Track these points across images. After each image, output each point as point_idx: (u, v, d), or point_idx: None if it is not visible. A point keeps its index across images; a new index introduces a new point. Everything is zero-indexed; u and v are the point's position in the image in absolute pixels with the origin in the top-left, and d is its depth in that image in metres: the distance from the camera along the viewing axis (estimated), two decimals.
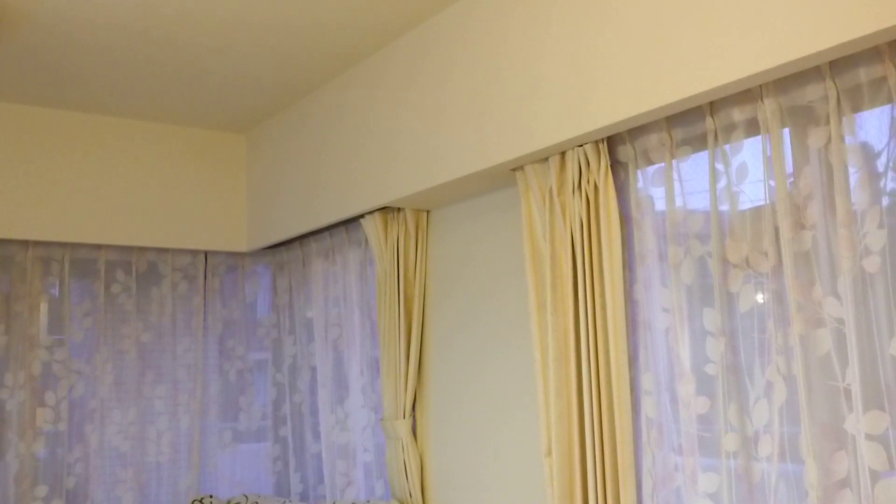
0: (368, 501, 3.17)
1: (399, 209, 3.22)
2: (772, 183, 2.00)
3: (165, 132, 3.94)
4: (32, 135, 3.60)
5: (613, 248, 2.29)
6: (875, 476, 1.76)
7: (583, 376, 2.34)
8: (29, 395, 3.56)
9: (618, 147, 2.40)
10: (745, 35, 1.88)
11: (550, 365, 2.40)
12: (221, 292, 4.15)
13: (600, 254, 2.32)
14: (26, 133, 3.58)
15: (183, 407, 3.95)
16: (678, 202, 2.23)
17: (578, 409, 2.35)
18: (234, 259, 4.20)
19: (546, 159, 2.51)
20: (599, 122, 2.22)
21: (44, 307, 3.70)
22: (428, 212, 3.26)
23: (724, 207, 2.12)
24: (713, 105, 2.14)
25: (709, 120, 2.14)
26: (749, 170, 2.08)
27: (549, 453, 2.40)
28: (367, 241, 3.47)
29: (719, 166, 2.13)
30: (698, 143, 2.21)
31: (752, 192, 2.07)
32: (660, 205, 2.30)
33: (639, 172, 2.36)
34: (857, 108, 1.86)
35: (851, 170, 1.86)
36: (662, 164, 2.29)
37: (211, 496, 3.51)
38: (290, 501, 3.46)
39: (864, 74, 1.84)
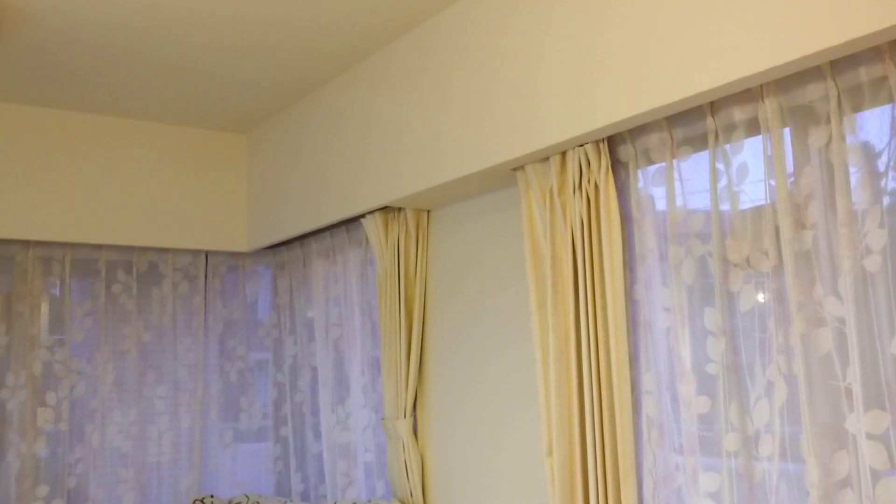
0: (369, 501, 3.17)
1: (400, 209, 3.22)
2: (772, 182, 2.00)
3: (166, 132, 3.95)
4: (33, 135, 3.60)
5: (614, 247, 2.29)
6: (876, 475, 1.76)
7: (583, 376, 2.34)
8: (30, 395, 3.56)
9: (618, 147, 2.40)
10: (745, 34, 1.88)
11: (551, 365, 2.40)
12: (222, 292, 4.15)
13: (601, 253, 2.32)
14: (26, 133, 3.59)
15: (184, 407, 3.95)
16: (679, 202, 2.23)
17: (579, 408, 2.35)
18: (235, 259, 4.20)
19: (547, 159, 2.51)
20: (600, 122, 2.22)
21: (45, 307, 3.70)
22: (428, 211, 3.26)
23: (725, 207, 2.12)
24: (714, 105, 2.14)
25: (709, 119, 2.14)
26: (750, 169, 2.08)
27: (550, 453, 2.40)
28: (367, 240, 3.47)
29: (720, 166, 2.13)
30: (699, 142, 2.21)
31: (753, 192, 2.07)
32: (660, 204, 2.30)
33: (639, 172, 2.36)
34: (857, 108, 1.86)
35: (852, 169, 1.86)
36: (663, 164, 2.29)
37: (212, 496, 3.52)
38: (291, 501, 3.47)
39: (864, 74, 1.84)
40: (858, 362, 1.80)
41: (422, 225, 3.23)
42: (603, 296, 2.32)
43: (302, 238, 3.91)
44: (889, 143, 1.82)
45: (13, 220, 3.50)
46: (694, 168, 2.22)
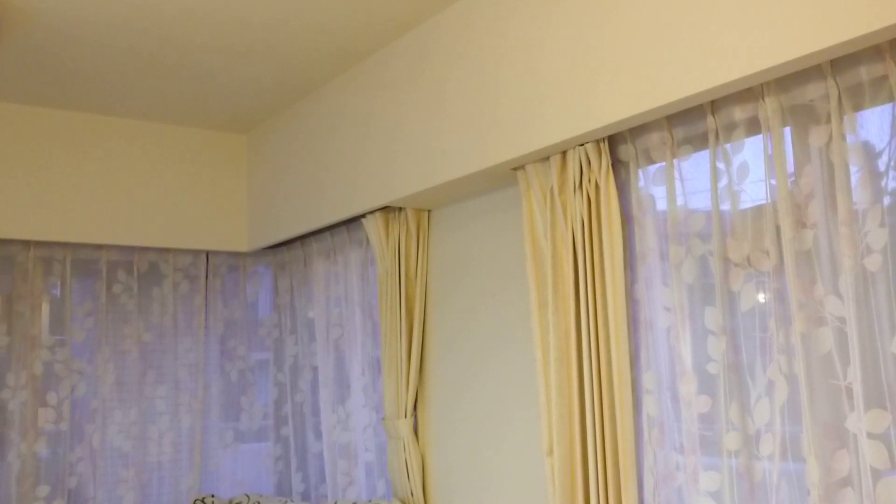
0: (370, 501, 3.17)
1: (400, 209, 3.22)
2: (773, 182, 2.00)
3: (166, 132, 3.95)
4: (33, 135, 3.60)
5: (615, 247, 2.29)
6: (877, 475, 1.76)
7: (584, 375, 2.34)
8: (31, 395, 3.56)
9: (619, 146, 2.40)
10: (745, 34, 1.88)
11: (552, 364, 2.40)
12: (223, 292, 4.15)
13: (601, 253, 2.32)
14: (27, 133, 3.59)
15: (184, 407, 3.95)
16: (679, 201, 2.23)
17: (580, 408, 2.35)
18: (236, 259, 4.20)
19: (547, 158, 2.51)
20: (600, 122, 2.22)
21: (45, 307, 3.70)
22: (429, 211, 3.26)
23: (726, 206, 2.12)
24: (714, 104, 2.14)
25: (710, 119, 2.14)
26: (750, 169, 2.08)
27: (551, 452, 2.40)
28: (368, 240, 3.47)
29: (720, 165, 2.13)
30: (699, 142, 2.21)
31: (754, 191, 2.07)
32: (661, 204, 2.30)
33: (640, 171, 2.36)
34: (858, 107, 1.86)
35: (853, 168, 1.86)
36: (663, 164, 2.29)
37: (213, 496, 3.52)
38: (292, 501, 3.47)
39: (865, 73, 1.84)
40: (859, 361, 1.80)
41: (422, 225, 3.24)
42: (603, 295, 2.32)
43: (302, 238, 3.91)
44: (889, 143, 1.82)
45: (14, 220, 3.50)
46: (694, 167, 2.22)
